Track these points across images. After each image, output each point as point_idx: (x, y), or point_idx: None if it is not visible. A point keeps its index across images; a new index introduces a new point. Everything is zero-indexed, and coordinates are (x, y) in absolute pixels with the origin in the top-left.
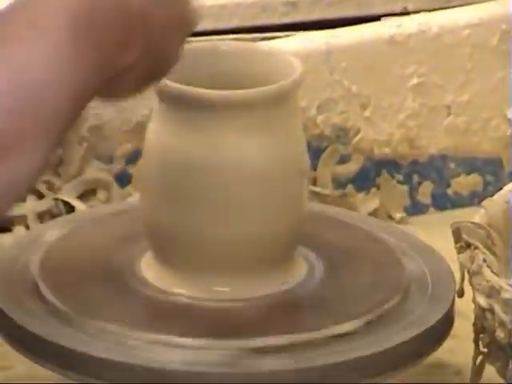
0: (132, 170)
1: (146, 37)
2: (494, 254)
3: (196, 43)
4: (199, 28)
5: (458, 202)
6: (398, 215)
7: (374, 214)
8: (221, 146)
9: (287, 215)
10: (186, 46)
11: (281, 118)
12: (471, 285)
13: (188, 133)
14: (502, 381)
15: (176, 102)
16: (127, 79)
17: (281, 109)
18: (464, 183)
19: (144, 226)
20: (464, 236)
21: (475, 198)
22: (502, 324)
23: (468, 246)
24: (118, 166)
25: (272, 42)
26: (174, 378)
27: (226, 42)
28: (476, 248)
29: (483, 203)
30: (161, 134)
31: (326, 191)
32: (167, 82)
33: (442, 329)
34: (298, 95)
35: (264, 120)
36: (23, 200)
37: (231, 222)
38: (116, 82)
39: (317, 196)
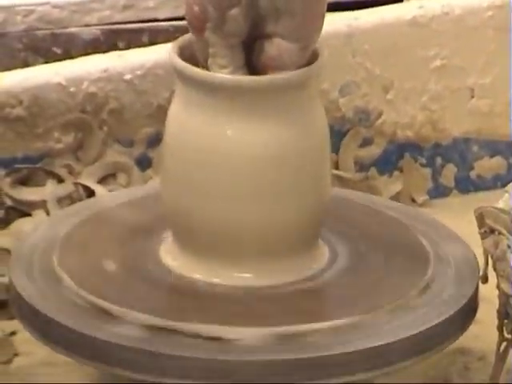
0: (152, 153)
1: None
2: None
3: None
4: None
5: (481, 185)
6: (421, 198)
7: (396, 197)
8: (244, 131)
9: (311, 200)
10: None
11: (304, 102)
12: (495, 270)
13: (210, 117)
14: None
15: (198, 86)
16: None
17: (303, 93)
18: (487, 166)
19: (166, 212)
20: (488, 221)
21: (498, 181)
22: None
23: (492, 231)
24: (138, 150)
25: None
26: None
27: None
28: (500, 233)
29: (507, 187)
30: (182, 118)
31: (348, 175)
32: (192, 69)
33: (467, 315)
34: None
35: (288, 105)
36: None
37: (255, 208)
38: None
39: (339, 180)
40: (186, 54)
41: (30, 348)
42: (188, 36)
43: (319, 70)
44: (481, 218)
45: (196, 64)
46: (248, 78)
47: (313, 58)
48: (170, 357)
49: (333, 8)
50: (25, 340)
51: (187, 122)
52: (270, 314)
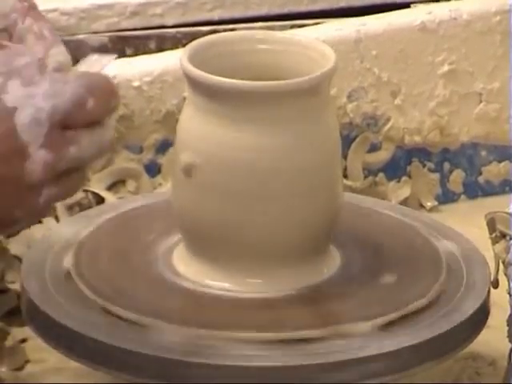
0: (162, 160)
1: None
2: None
3: (231, 32)
4: (228, 15)
5: (489, 190)
6: (429, 204)
7: (405, 202)
8: (254, 136)
9: (324, 206)
10: (221, 35)
11: (315, 108)
12: (506, 275)
13: (220, 123)
14: None
15: (209, 93)
16: None
17: (315, 99)
18: (495, 171)
19: (177, 218)
20: (499, 226)
21: (506, 187)
22: None
23: (503, 236)
24: (147, 156)
25: (301, 29)
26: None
27: (262, 32)
28: (511, 238)
29: None
30: (193, 124)
31: (357, 183)
32: (203, 75)
33: (478, 320)
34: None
35: (298, 110)
36: None
37: (266, 214)
38: None
39: (347, 187)
40: (197, 60)
41: (42, 355)
42: (198, 42)
43: (332, 75)
44: (492, 223)
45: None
46: (261, 83)
47: (324, 62)
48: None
49: (341, 13)
50: (36, 347)
51: (198, 129)
52: (279, 318)
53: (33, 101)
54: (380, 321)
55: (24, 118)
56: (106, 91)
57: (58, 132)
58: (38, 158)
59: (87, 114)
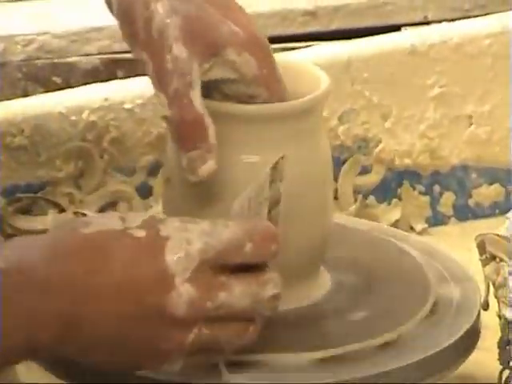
0: (153, 182)
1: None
2: None
3: None
4: None
5: (479, 213)
6: (420, 226)
7: (395, 225)
8: (246, 159)
9: (315, 227)
10: None
11: (308, 130)
12: (496, 297)
13: None
14: None
15: None
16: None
17: (308, 122)
18: (485, 194)
19: None
20: (489, 248)
21: (497, 209)
22: None
23: (493, 258)
24: (139, 178)
25: (292, 52)
26: None
27: None
28: (501, 260)
29: (508, 214)
30: None
31: (347, 206)
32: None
33: (468, 342)
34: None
35: (291, 133)
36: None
37: None
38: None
39: (338, 207)
40: None
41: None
42: None
43: (325, 97)
44: (482, 245)
45: None
46: (251, 106)
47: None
48: None
49: (332, 36)
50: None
51: None
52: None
53: (186, 234)
54: (371, 343)
55: (174, 248)
56: (265, 237)
57: (208, 272)
58: (184, 292)
59: (243, 257)
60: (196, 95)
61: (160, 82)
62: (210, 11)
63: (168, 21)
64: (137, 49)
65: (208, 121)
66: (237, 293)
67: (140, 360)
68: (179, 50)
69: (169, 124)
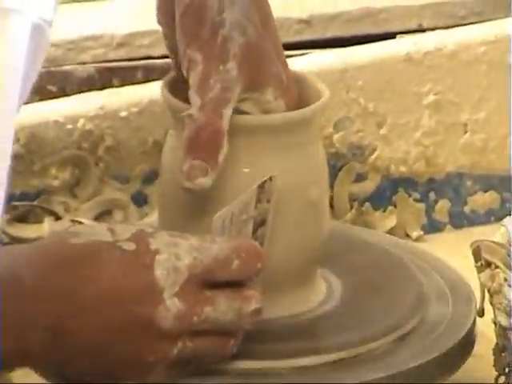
0: (149, 190)
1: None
2: None
3: None
4: None
5: (474, 220)
6: (415, 233)
7: (391, 232)
8: (242, 168)
9: (311, 235)
10: None
11: (305, 141)
12: (492, 304)
13: None
14: None
15: None
16: None
17: (306, 132)
18: (481, 201)
19: None
20: (484, 255)
21: (492, 216)
22: None
23: (488, 265)
24: (134, 187)
25: (288, 60)
26: None
27: None
28: (496, 267)
29: (503, 221)
30: (177, 154)
31: (343, 213)
32: (184, 105)
33: (463, 349)
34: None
35: (289, 144)
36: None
37: None
38: None
39: (334, 215)
40: (178, 90)
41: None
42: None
43: (324, 108)
44: (477, 252)
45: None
46: (244, 117)
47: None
48: None
49: (327, 44)
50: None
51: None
52: (267, 347)
53: (175, 249)
54: (363, 349)
55: (163, 262)
56: (251, 254)
57: (195, 286)
58: (172, 306)
59: (230, 273)
60: (227, 114)
61: (202, 85)
62: (266, 43)
63: (235, 35)
64: (192, 46)
65: (225, 142)
66: (222, 308)
67: (125, 372)
68: (233, 66)
69: (189, 123)
